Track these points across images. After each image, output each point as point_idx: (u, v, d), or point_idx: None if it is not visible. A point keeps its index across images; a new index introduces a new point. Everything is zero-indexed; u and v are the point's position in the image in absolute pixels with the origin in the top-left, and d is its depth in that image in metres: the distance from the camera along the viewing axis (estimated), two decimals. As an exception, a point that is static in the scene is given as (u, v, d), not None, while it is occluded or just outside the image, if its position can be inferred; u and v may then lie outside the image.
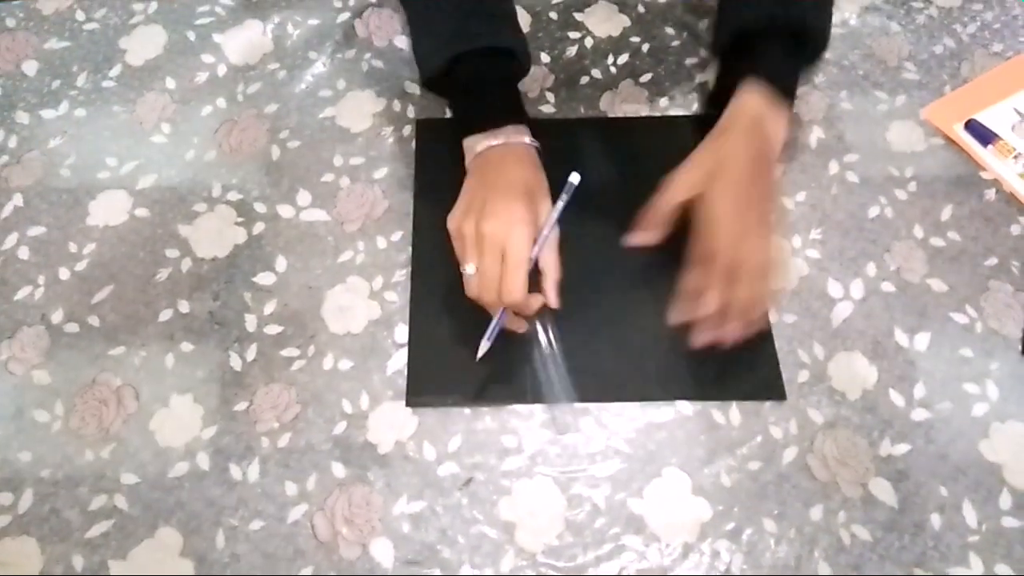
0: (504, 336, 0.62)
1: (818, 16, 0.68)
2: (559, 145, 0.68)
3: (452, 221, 0.61)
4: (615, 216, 0.67)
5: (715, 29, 0.73)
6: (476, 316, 0.61)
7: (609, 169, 0.74)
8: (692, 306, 0.59)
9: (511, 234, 0.57)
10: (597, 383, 0.64)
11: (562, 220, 0.61)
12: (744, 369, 0.64)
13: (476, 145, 0.64)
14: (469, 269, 0.58)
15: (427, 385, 0.63)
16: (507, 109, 0.67)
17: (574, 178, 0.60)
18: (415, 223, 0.71)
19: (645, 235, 0.63)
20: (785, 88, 0.66)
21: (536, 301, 0.59)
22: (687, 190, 0.61)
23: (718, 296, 0.58)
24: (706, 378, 0.64)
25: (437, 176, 0.70)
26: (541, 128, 0.67)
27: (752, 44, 0.66)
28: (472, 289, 0.59)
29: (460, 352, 0.63)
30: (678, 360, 0.64)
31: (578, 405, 0.63)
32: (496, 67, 0.67)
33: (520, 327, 0.63)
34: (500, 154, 0.63)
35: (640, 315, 0.66)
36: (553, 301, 0.60)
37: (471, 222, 0.59)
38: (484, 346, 0.60)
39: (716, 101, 0.68)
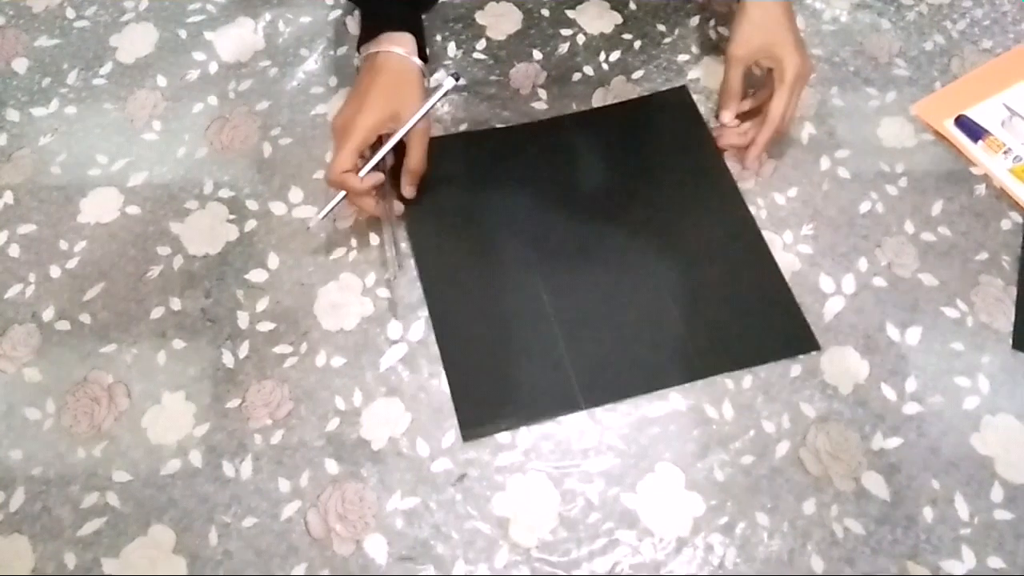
0: (536, 352, 0.64)
1: None
2: (550, 143, 0.71)
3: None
4: (617, 208, 0.71)
5: None
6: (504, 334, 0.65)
7: (597, 159, 0.75)
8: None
9: (350, 120, 0.64)
10: (630, 376, 0.64)
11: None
12: (772, 329, 0.66)
13: (362, 51, 0.70)
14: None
15: (478, 414, 0.62)
16: (389, 20, 0.69)
17: (448, 82, 0.66)
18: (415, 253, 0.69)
19: (729, 111, 0.73)
20: None
21: (357, 184, 0.63)
22: (752, 57, 0.71)
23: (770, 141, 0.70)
24: (739, 347, 0.65)
25: (436, 208, 0.71)
26: (528, 130, 0.72)
27: None
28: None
29: (500, 373, 0.64)
30: (706, 337, 0.65)
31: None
32: None
33: (370, 210, 0.67)
34: (371, 62, 0.67)
35: (657, 299, 0.66)
36: (405, 190, 0.69)
37: (336, 115, 0.66)
38: (317, 216, 0.66)
39: None
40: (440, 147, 0.71)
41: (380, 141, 0.66)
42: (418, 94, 0.66)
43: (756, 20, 0.70)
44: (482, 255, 0.69)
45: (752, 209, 0.72)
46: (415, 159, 0.67)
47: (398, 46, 0.67)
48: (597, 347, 0.65)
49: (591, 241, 0.70)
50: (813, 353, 0.65)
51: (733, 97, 0.73)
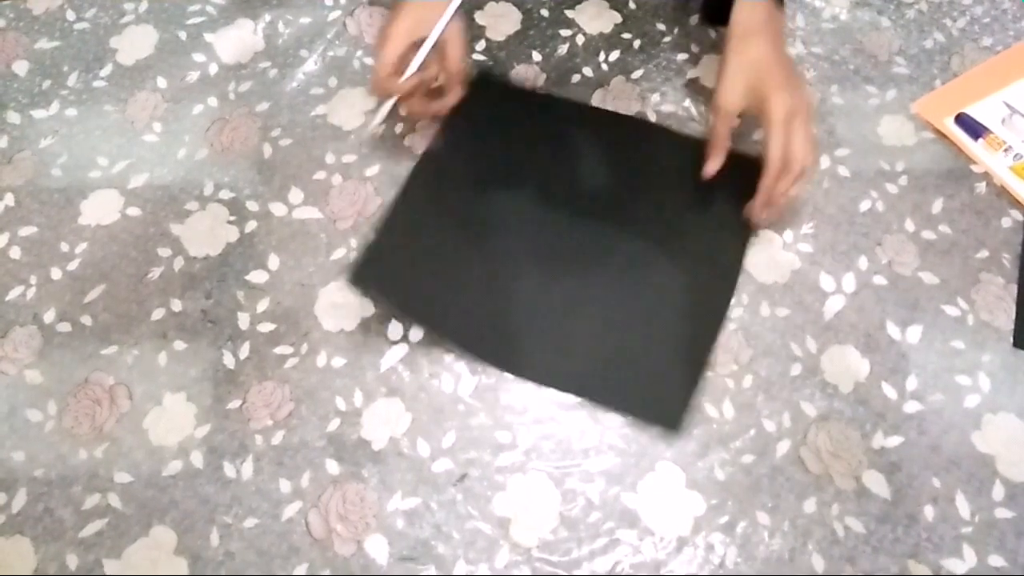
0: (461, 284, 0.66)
1: None
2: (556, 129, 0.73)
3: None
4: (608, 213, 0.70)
5: None
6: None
7: (601, 163, 0.74)
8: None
9: (381, 36, 0.66)
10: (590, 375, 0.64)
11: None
12: (654, 388, 0.64)
13: None
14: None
15: (377, 270, 0.65)
16: None
17: None
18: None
19: (715, 161, 0.69)
20: None
21: (398, 85, 0.66)
22: (737, 106, 0.67)
23: (786, 184, 0.65)
24: (617, 388, 0.64)
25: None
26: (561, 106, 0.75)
27: None
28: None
29: (420, 257, 0.67)
30: (599, 362, 0.65)
31: (571, 400, 0.63)
32: None
33: (420, 112, 0.70)
34: None
35: (605, 307, 0.67)
36: (452, 95, 0.69)
37: (379, 32, 0.67)
38: (374, 122, 0.69)
39: (712, 14, 0.74)
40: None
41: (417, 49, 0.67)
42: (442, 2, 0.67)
43: (735, 67, 0.67)
44: (473, 206, 0.71)
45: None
46: (452, 59, 0.68)
47: None
48: (532, 323, 0.65)
49: (587, 234, 0.70)
50: (813, 351, 0.65)
51: (719, 148, 0.69)
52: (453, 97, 0.70)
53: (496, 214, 0.70)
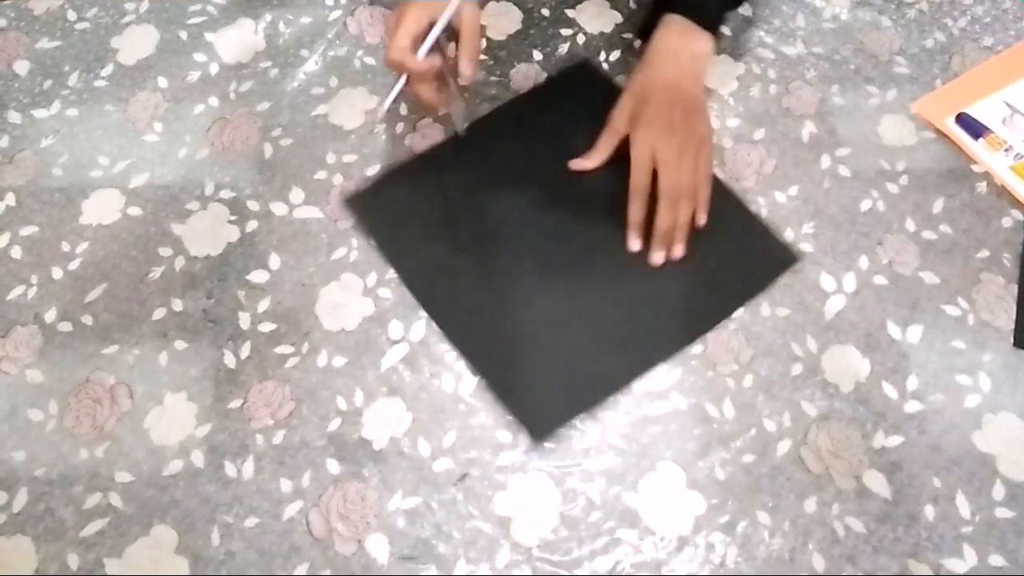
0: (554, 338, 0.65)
1: None
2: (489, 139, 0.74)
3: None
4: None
5: None
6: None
7: (539, 142, 0.75)
8: (641, 233, 0.68)
9: (397, 11, 0.65)
10: (633, 351, 0.65)
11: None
12: (750, 261, 0.69)
13: None
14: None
15: (549, 412, 0.63)
16: None
17: None
18: (414, 294, 0.68)
19: (585, 162, 0.72)
20: (704, 19, 0.72)
21: (415, 64, 0.64)
22: (622, 127, 0.70)
23: (668, 218, 0.67)
24: (724, 294, 0.67)
25: (398, 237, 0.71)
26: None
27: None
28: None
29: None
30: (687, 295, 0.67)
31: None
32: None
33: (429, 99, 0.67)
34: None
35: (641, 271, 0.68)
36: (465, 68, 0.66)
37: (390, 15, 0.67)
38: (383, 105, 0.69)
39: (645, 34, 0.76)
40: (383, 192, 0.73)
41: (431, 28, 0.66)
42: None
43: (629, 89, 0.71)
44: (475, 275, 0.69)
45: (753, 207, 0.71)
46: (467, 37, 0.66)
47: None
48: (597, 326, 0.66)
49: (582, 226, 0.71)
50: (814, 351, 0.65)
51: (596, 153, 0.71)
52: (467, 72, 0.67)
53: (510, 207, 0.71)
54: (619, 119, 0.70)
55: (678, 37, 0.72)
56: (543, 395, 0.63)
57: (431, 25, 0.65)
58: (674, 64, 0.70)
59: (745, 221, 0.70)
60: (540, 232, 0.70)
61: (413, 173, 0.73)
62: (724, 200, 0.71)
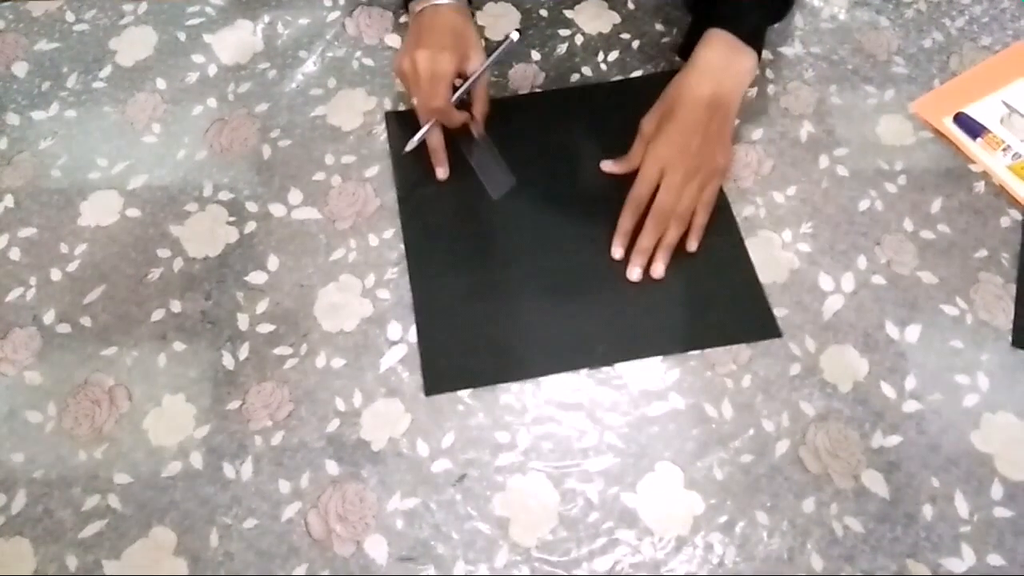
0: (507, 311, 0.67)
1: None
2: (529, 118, 0.75)
3: (395, 65, 0.71)
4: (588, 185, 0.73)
5: None
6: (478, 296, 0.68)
7: (582, 136, 0.75)
8: (625, 243, 0.69)
9: (435, 57, 0.67)
10: (601, 347, 0.65)
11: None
12: (735, 313, 0.67)
13: (415, 7, 0.73)
14: (415, 100, 0.70)
15: (443, 372, 0.64)
16: None
17: (514, 35, 0.68)
18: (402, 216, 0.72)
19: (615, 165, 0.72)
20: (748, 35, 0.71)
21: (459, 116, 0.70)
22: (647, 133, 0.70)
23: (650, 236, 0.67)
24: (701, 328, 0.66)
25: (415, 165, 0.73)
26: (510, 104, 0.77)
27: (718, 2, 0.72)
28: (420, 113, 0.71)
29: (469, 337, 0.66)
30: (671, 315, 0.67)
31: (571, 400, 0.63)
32: None
33: (435, 142, 0.71)
34: (431, 12, 0.71)
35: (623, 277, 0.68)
36: (479, 120, 0.72)
37: (408, 60, 0.69)
38: (412, 143, 0.71)
39: (685, 53, 0.73)
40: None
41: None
42: (477, 37, 0.72)
43: (663, 96, 0.70)
44: (465, 218, 0.72)
45: (751, 208, 0.72)
46: (484, 102, 0.73)
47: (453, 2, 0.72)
48: (569, 317, 0.67)
49: (574, 215, 0.71)
50: (812, 351, 0.65)
51: (626, 162, 0.71)
52: (478, 132, 0.72)
53: (492, 232, 0.72)
54: (648, 126, 0.70)
55: (723, 52, 0.69)
56: (457, 356, 0.65)
57: (458, 75, 0.69)
58: (713, 78, 0.68)
59: (745, 278, 0.68)
60: (540, 220, 0.71)
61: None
62: (732, 250, 0.70)
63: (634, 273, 0.67)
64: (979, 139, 0.74)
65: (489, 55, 0.70)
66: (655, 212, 0.67)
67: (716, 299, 0.67)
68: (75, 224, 0.72)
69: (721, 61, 0.69)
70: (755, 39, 0.72)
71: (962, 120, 0.76)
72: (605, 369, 0.65)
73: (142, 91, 0.79)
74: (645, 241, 0.67)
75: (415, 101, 0.70)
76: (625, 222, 0.68)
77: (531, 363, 0.65)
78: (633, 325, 0.66)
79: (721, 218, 0.71)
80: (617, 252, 0.68)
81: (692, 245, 0.68)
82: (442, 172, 0.73)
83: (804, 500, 0.59)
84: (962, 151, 0.75)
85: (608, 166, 0.72)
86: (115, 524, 0.59)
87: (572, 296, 0.67)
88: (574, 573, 0.57)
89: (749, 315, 0.66)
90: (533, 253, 0.69)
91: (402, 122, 0.77)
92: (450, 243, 0.70)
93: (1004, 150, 0.74)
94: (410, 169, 0.74)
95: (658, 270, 0.68)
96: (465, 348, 0.65)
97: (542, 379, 0.64)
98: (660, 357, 0.65)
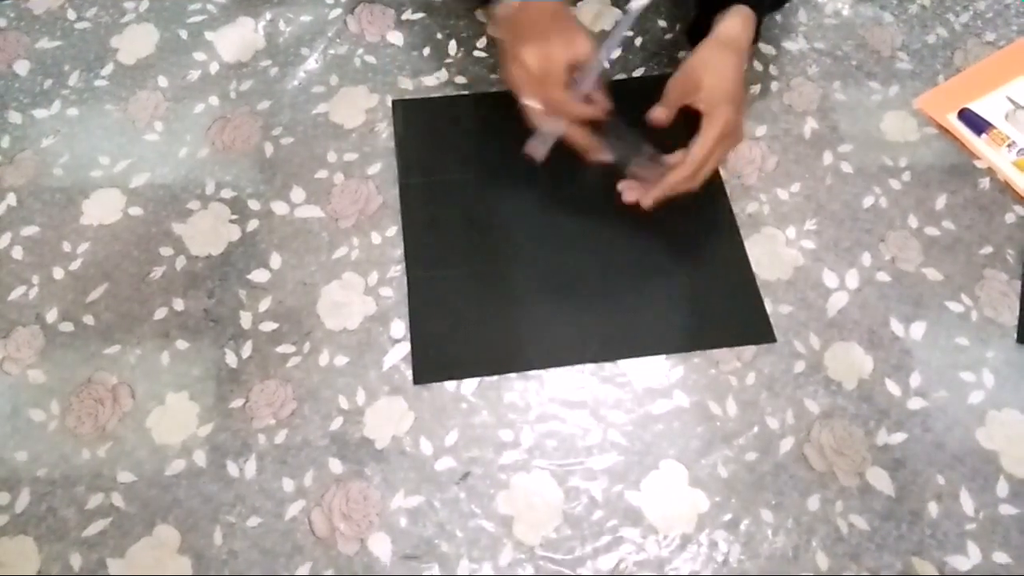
0: (502, 304, 0.67)
1: None
2: None
3: (503, 76, 0.68)
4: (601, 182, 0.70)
5: None
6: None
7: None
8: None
9: (543, 50, 0.64)
10: (595, 343, 0.65)
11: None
12: (731, 317, 0.66)
13: (501, 10, 0.68)
14: (527, 101, 0.66)
15: (433, 362, 0.64)
16: None
17: (635, 3, 0.63)
18: (402, 205, 0.72)
19: (659, 114, 0.67)
20: (758, 19, 0.70)
21: (582, 107, 0.66)
22: (685, 92, 0.66)
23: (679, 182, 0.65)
24: (696, 330, 0.66)
25: (417, 155, 0.74)
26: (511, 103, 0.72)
27: None
28: (533, 117, 0.66)
29: (462, 328, 0.66)
30: (667, 316, 0.67)
31: (574, 398, 0.63)
32: None
33: (586, 144, 0.67)
34: (522, 7, 0.67)
35: (630, 275, 0.68)
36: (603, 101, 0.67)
37: (515, 62, 0.66)
38: (541, 149, 0.67)
39: (693, 36, 0.72)
40: (428, 110, 0.76)
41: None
42: (578, 26, 0.68)
43: (708, 61, 0.66)
44: (466, 210, 0.72)
45: (754, 204, 0.71)
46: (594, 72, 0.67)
47: None
48: (569, 313, 0.67)
49: (576, 209, 0.71)
50: (816, 348, 0.65)
51: (664, 108, 0.67)
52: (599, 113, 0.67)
53: (493, 225, 0.71)
54: (688, 82, 0.66)
55: (743, 33, 0.68)
56: (449, 346, 0.65)
57: (570, 67, 0.65)
58: (741, 55, 0.67)
59: (743, 281, 0.68)
60: (540, 215, 0.71)
61: (464, 109, 0.76)
62: (732, 251, 0.70)
63: (631, 195, 0.67)
64: (984, 135, 0.74)
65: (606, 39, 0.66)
66: (693, 164, 0.64)
67: (712, 301, 0.67)
68: (77, 223, 0.71)
69: (743, 40, 0.68)
70: (759, 22, 0.71)
71: (967, 116, 0.75)
72: (608, 366, 0.64)
73: (144, 89, 0.79)
74: (671, 184, 0.65)
75: (531, 104, 0.66)
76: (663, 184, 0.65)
77: (524, 356, 0.65)
78: (628, 324, 0.66)
79: (721, 218, 0.71)
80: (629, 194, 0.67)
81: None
82: (604, 156, 0.68)
83: (809, 498, 0.59)
84: (967, 147, 0.74)
85: (656, 113, 0.67)
86: (119, 522, 0.59)
87: (568, 291, 0.67)
88: (578, 571, 0.57)
89: (745, 318, 0.66)
90: (531, 248, 0.69)
91: (409, 110, 0.77)
92: (449, 233, 0.70)
93: (1009, 146, 0.73)
94: (414, 158, 0.74)
95: (648, 202, 0.66)
96: (458, 339, 0.65)
97: (546, 377, 0.64)
98: (664, 355, 0.65)
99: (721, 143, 0.65)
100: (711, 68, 0.66)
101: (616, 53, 0.67)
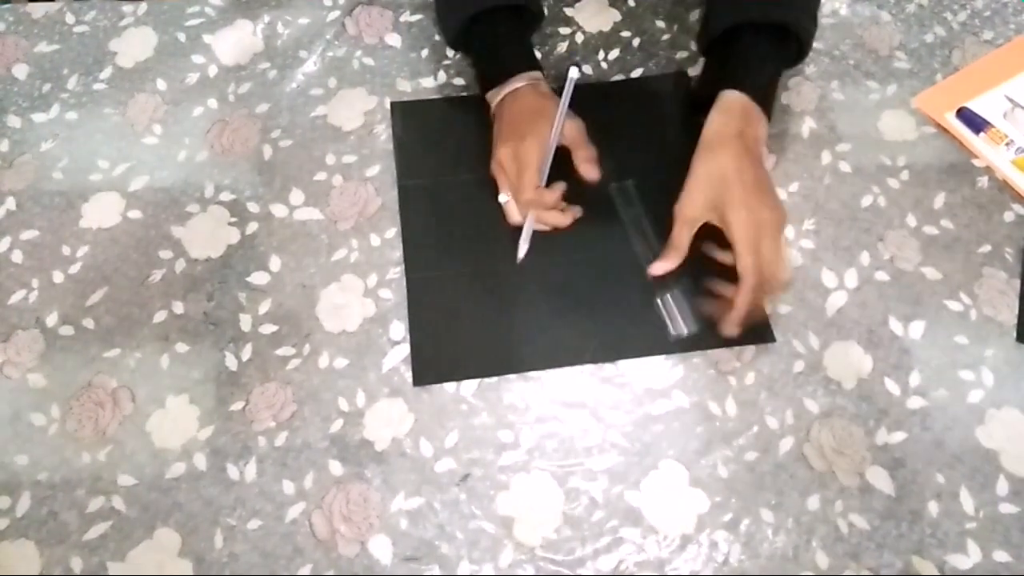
0: (501, 305, 0.67)
1: (802, 18, 0.70)
2: None
3: (491, 170, 0.70)
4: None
5: (701, 27, 0.76)
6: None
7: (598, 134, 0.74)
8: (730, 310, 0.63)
9: (518, 149, 0.66)
10: (593, 344, 0.65)
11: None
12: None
13: (493, 99, 0.72)
14: (501, 198, 0.69)
15: (432, 364, 0.65)
16: (517, 62, 0.72)
17: (573, 72, 0.68)
18: (401, 206, 0.72)
19: (666, 263, 0.65)
20: (765, 94, 0.69)
21: (551, 195, 0.67)
22: (697, 217, 0.65)
23: (747, 300, 0.62)
24: (696, 330, 0.66)
25: (416, 156, 0.74)
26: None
27: (734, 49, 0.69)
28: (508, 214, 0.69)
29: (461, 329, 0.66)
30: (643, 319, 0.67)
31: (574, 399, 0.63)
32: (508, 23, 0.73)
33: (562, 222, 0.68)
34: (510, 101, 0.70)
35: (629, 275, 0.68)
36: (589, 173, 0.68)
37: (495, 162, 0.69)
38: (522, 248, 0.68)
39: (698, 103, 0.70)
40: (426, 111, 0.76)
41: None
42: (556, 106, 0.68)
43: (698, 178, 0.64)
44: (464, 217, 0.71)
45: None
46: (577, 146, 0.69)
47: (526, 79, 0.70)
48: (557, 314, 0.67)
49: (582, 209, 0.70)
50: (816, 348, 0.65)
51: (674, 252, 0.65)
52: (592, 175, 0.68)
53: (490, 226, 0.71)
54: (692, 208, 0.64)
55: (736, 122, 0.66)
56: (448, 348, 0.65)
57: (547, 154, 0.67)
58: (736, 151, 0.64)
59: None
60: None
61: (463, 111, 0.77)
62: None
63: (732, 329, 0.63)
64: (982, 134, 0.74)
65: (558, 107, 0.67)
66: (753, 274, 0.61)
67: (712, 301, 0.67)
68: (77, 226, 0.72)
69: (741, 129, 0.65)
70: (769, 96, 0.70)
71: (965, 115, 0.75)
72: (608, 367, 0.65)
73: (142, 92, 0.79)
74: (746, 304, 0.62)
75: (503, 200, 0.69)
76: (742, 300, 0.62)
77: (524, 358, 0.65)
78: (627, 324, 0.66)
79: None
80: (660, 268, 0.65)
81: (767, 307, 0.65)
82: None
83: (809, 498, 0.59)
84: (965, 146, 0.74)
85: (660, 267, 0.65)
86: (119, 526, 0.59)
87: (567, 292, 0.67)
88: (579, 572, 0.57)
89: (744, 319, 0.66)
90: (529, 249, 0.69)
91: (407, 111, 0.77)
92: (448, 235, 0.70)
93: (1007, 144, 0.73)
94: (412, 160, 0.74)
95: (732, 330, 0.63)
96: (457, 340, 0.66)
97: (545, 378, 0.64)
98: (663, 356, 0.65)
99: (759, 243, 0.61)
100: (706, 184, 0.64)
101: (573, 121, 0.68)
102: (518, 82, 0.70)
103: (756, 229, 0.62)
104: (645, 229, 0.69)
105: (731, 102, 0.67)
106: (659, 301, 0.66)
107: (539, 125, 0.67)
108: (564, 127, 0.67)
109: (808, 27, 0.70)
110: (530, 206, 0.67)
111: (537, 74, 0.71)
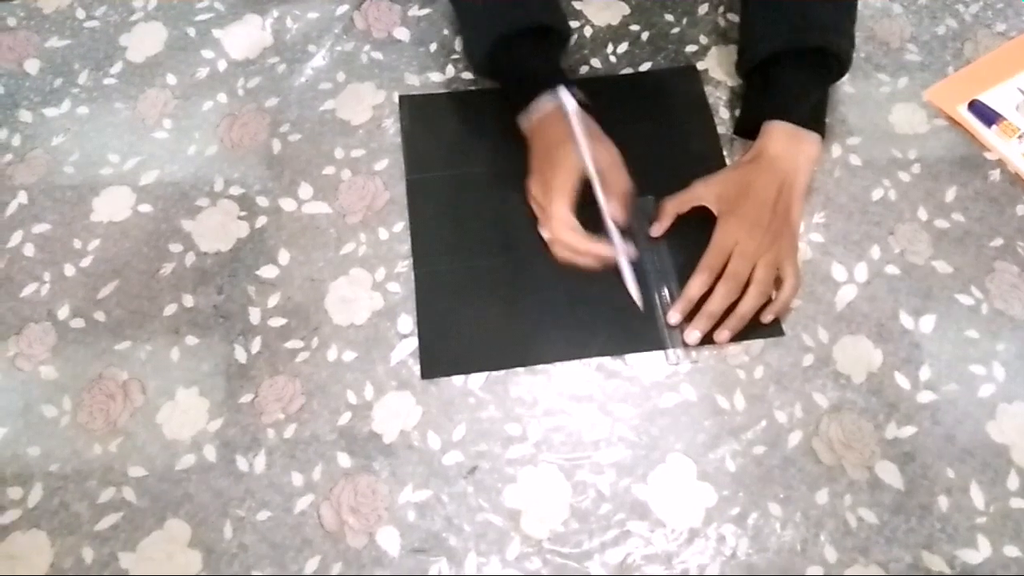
0: (509, 299, 0.67)
1: (841, 42, 0.70)
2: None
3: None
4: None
5: (739, 53, 0.76)
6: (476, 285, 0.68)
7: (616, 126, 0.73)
8: (687, 310, 0.65)
9: (545, 179, 0.67)
10: (600, 338, 0.66)
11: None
12: None
13: (522, 123, 0.71)
14: (544, 234, 0.68)
15: (440, 356, 0.65)
16: (544, 83, 0.69)
17: (568, 105, 0.66)
18: (409, 199, 0.72)
19: (661, 226, 0.69)
20: (809, 117, 0.69)
21: (577, 240, 0.65)
22: (708, 200, 0.67)
23: (722, 301, 0.64)
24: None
25: (424, 150, 0.74)
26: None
27: (775, 77, 0.70)
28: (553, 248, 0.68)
29: (470, 322, 0.66)
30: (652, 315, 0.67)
31: (582, 392, 0.63)
32: (535, 45, 0.71)
33: (587, 265, 0.67)
34: (538, 128, 0.69)
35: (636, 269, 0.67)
36: (613, 212, 0.66)
37: (528, 191, 0.69)
38: (634, 293, 0.66)
39: (742, 130, 0.74)
40: (434, 105, 0.77)
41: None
42: (576, 155, 0.66)
43: (732, 173, 0.68)
44: (472, 211, 0.71)
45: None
46: (619, 183, 0.67)
47: (554, 102, 0.68)
48: (572, 307, 0.67)
49: (583, 203, 0.69)
50: (825, 342, 0.64)
51: (667, 216, 0.68)
52: (619, 217, 0.66)
53: (495, 220, 0.71)
54: (707, 192, 0.67)
55: (785, 143, 0.68)
56: (456, 341, 0.65)
57: (581, 184, 0.65)
58: (784, 163, 0.67)
59: None
60: None
61: (471, 105, 0.77)
62: None
63: (692, 336, 0.64)
64: (994, 126, 0.74)
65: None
66: (729, 277, 0.64)
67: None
68: (88, 220, 0.72)
69: (786, 149, 0.68)
70: (816, 119, 0.70)
71: (977, 107, 0.75)
72: (615, 361, 0.64)
73: (152, 87, 0.80)
74: (715, 306, 0.64)
75: (544, 235, 0.68)
76: (693, 289, 0.64)
77: (532, 351, 0.65)
78: (634, 318, 0.66)
79: None
80: (675, 317, 0.65)
81: (768, 316, 0.65)
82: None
83: (817, 491, 0.59)
84: (977, 139, 0.74)
85: (658, 230, 0.68)
86: (130, 517, 0.59)
87: (574, 285, 0.67)
88: (586, 565, 0.57)
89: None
90: (538, 242, 0.69)
91: (415, 106, 0.77)
92: (456, 228, 0.70)
93: (1020, 137, 0.73)
94: (420, 154, 0.74)
95: (723, 336, 0.64)
96: (465, 333, 0.66)
97: (553, 371, 0.64)
98: (671, 349, 0.65)
99: (733, 253, 0.64)
100: (732, 174, 0.68)
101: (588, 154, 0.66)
102: (546, 106, 0.68)
103: (735, 239, 0.64)
104: (661, 253, 0.69)
105: (778, 133, 0.68)
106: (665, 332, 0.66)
107: (565, 153, 0.66)
108: (594, 153, 0.65)
109: (847, 49, 0.70)
110: (554, 246, 0.67)
111: (562, 95, 0.67)
